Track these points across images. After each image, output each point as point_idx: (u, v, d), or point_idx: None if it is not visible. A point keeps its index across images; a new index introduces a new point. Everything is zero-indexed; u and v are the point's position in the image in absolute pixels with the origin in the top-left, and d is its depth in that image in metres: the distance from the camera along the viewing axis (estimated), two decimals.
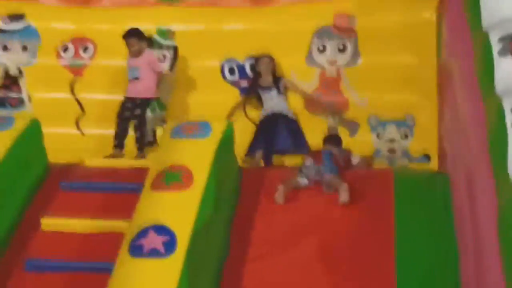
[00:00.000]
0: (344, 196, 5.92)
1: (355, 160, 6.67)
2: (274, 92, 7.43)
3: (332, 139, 6.96)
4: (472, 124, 5.13)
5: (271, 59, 7.48)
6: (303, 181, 6.18)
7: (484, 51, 4.83)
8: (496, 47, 4.76)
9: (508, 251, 3.80)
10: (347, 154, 6.69)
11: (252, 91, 7.57)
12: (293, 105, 7.45)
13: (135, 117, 7.36)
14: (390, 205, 5.98)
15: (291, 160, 7.30)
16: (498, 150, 4.25)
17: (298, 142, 7.34)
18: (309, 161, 6.27)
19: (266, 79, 7.47)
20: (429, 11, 7.07)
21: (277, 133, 7.35)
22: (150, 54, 7.44)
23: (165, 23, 7.77)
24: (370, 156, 7.12)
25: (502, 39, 4.79)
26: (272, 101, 7.43)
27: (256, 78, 7.53)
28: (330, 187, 6.10)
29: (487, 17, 5.06)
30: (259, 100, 7.55)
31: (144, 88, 7.34)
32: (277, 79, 7.48)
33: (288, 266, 5.65)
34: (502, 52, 4.71)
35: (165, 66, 7.70)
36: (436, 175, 6.54)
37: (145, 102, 7.38)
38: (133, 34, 7.34)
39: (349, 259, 5.67)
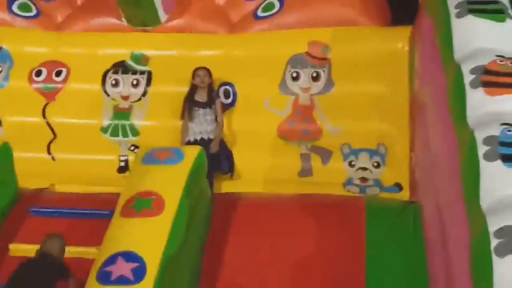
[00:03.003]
0: None
1: None
2: (204, 111, 7.13)
3: None
4: (444, 155, 5.15)
5: (207, 71, 7.22)
6: None
7: (456, 82, 4.87)
8: (467, 78, 4.80)
9: (480, 283, 3.81)
10: None
11: (185, 107, 7.19)
12: (268, 129, 7.33)
13: None
14: (361, 234, 5.98)
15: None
16: (470, 181, 4.27)
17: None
18: None
19: (200, 94, 7.20)
20: (402, 41, 7.12)
21: None
22: None
23: (139, 49, 7.76)
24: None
25: (473, 71, 4.83)
26: (199, 119, 7.11)
27: (190, 92, 7.23)
28: None
29: (459, 49, 5.11)
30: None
31: None
32: (212, 98, 7.19)
33: None
34: (474, 84, 4.74)
35: (138, 91, 7.66)
36: (407, 205, 6.56)
37: None
38: None
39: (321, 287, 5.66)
